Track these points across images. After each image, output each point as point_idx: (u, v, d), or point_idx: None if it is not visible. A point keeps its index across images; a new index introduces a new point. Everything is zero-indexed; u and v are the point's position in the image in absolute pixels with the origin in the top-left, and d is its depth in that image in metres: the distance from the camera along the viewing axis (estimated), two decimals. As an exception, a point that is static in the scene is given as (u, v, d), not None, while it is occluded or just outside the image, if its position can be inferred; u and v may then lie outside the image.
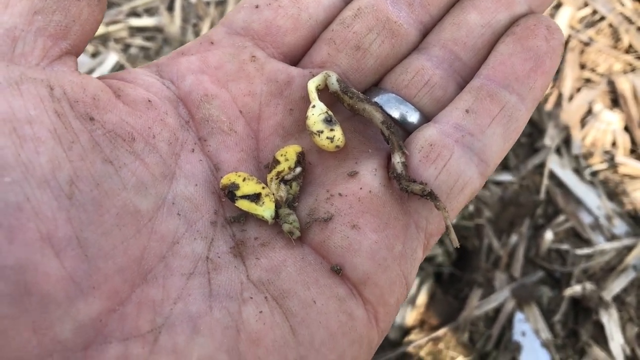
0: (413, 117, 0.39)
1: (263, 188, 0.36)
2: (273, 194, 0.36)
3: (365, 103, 0.37)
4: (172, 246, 0.32)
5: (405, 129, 0.39)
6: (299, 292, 0.32)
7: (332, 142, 0.36)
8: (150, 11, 1.09)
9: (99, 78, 0.35)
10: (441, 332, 0.84)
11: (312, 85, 0.37)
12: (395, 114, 0.38)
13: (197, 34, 1.06)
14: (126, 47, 1.05)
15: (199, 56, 0.39)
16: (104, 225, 0.30)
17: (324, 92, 0.38)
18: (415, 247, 0.35)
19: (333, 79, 0.37)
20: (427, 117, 0.39)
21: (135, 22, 1.08)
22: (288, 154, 0.37)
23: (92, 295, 0.29)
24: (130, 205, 0.31)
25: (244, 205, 0.35)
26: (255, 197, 0.35)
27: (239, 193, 0.35)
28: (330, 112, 0.37)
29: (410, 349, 0.83)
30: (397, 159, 0.35)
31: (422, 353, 0.83)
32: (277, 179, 0.36)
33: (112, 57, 1.03)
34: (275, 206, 0.36)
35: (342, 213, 0.34)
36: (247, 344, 0.30)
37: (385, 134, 0.36)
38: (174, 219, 0.33)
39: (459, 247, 0.35)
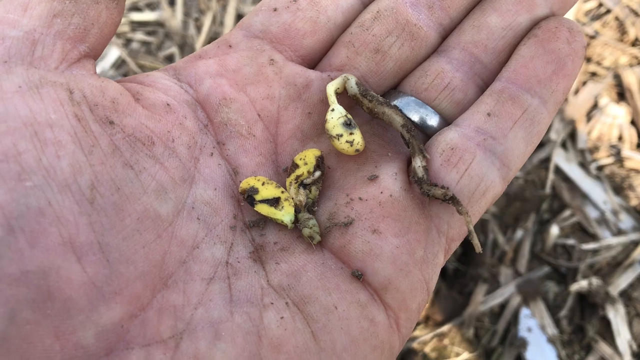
0: (433, 121, 0.38)
1: (282, 192, 0.36)
2: (292, 198, 0.36)
3: (385, 106, 0.37)
4: (192, 251, 0.32)
5: (425, 133, 0.39)
6: (320, 297, 0.32)
7: (351, 145, 0.36)
8: (151, 5, 1.08)
9: (118, 81, 0.35)
10: (446, 327, 0.84)
11: (331, 88, 0.37)
12: (415, 117, 0.38)
13: (198, 28, 1.06)
14: (127, 42, 1.04)
15: (217, 59, 0.39)
16: (125, 230, 0.30)
17: (342, 95, 0.38)
18: (437, 252, 0.35)
19: (352, 82, 0.37)
20: (447, 121, 0.39)
21: (137, 16, 1.07)
22: (307, 158, 0.36)
23: (114, 301, 0.29)
24: (150, 209, 0.31)
25: (264, 209, 0.35)
26: (275, 202, 0.35)
27: (258, 197, 0.35)
28: (349, 116, 0.37)
29: (415, 344, 0.83)
30: (418, 162, 0.35)
31: (427, 349, 0.83)
32: (296, 183, 0.36)
33: (113, 52, 1.02)
34: (295, 210, 0.36)
35: (362, 217, 0.34)
36: (268, 349, 0.30)
37: (406, 138, 0.36)
38: (194, 223, 0.33)
39: (481, 252, 0.35)
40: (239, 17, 1.07)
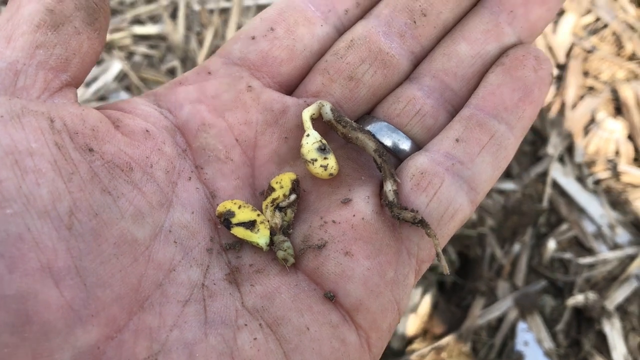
0: (405, 145, 0.39)
1: (258, 215, 0.37)
2: (268, 221, 0.37)
3: (358, 132, 0.38)
4: (168, 274, 0.33)
5: (397, 157, 0.40)
6: (293, 318, 0.33)
7: (325, 170, 0.37)
8: (153, 19, 1.10)
9: (98, 108, 0.36)
10: (444, 341, 0.84)
11: (307, 114, 0.38)
12: (388, 142, 0.39)
13: (200, 42, 1.07)
14: (130, 55, 1.06)
15: (196, 86, 0.40)
16: (102, 255, 0.31)
17: (318, 120, 0.39)
18: (407, 273, 0.36)
19: (327, 108, 0.38)
20: (418, 145, 0.40)
21: (139, 29, 1.08)
22: (283, 182, 0.37)
23: (91, 323, 0.29)
24: (127, 234, 0.32)
25: (240, 232, 0.36)
26: (251, 225, 0.36)
27: (234, 220, 0.36)
28: (324, 141, 0.38)
29: (413, 358, 0.83)
30: (389, 187, 0.36)
31: (425, 362, 0.83)
32: (272, 206, 0.37)
33: (116, 65, 1.04)
34: (270, 233, 0.36)
35: (335, 240, 0.35)
36: None
37: (378, 162, 0.37)
38: (171, 246, 0.34)
39: (448, 274, 0.36)
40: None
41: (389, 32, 0.40)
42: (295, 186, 0.37)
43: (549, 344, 0.83)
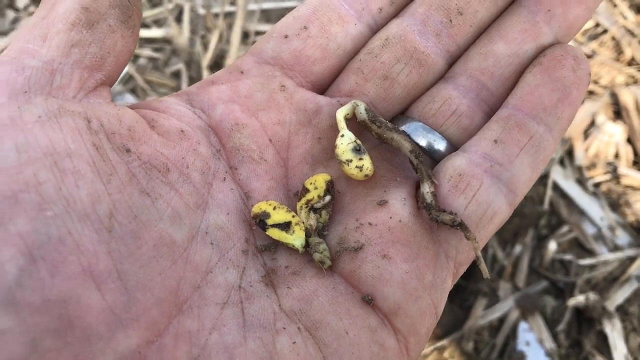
0: (440, 146, 0.39)
1: (293, 217, 0.36)
2: (303, 223, 0.36)
3: (394, 132, 0.37)
4: (205, 275, 0.33)
5: (432, 158, 0.39)
6: (332, 322, 0.33)
7: (361, 171, 0.37)
8: (158, 22, 1.09)
9: (132, 107, 0.36)
10: (446, 341, 0.84)
11: (341, 114, 0.38)
12: (423, 143, 0.39)
13: (205, 45, 1.06)
14: (135, 58, 1.05)
15: (229, 85, 0.39)
16: (142, 257, 0.30)
17: (352, 120, 0.39)
18: (445, 277, 0.36)
19: (361, 108, 0.38)
20: (454, 146, 0.39)
21: (144, 33, 1.08)
22: (317, 183, 0.37)
23: (132, 327, 0.29)
24: (166, 236, 0.31)
25: (275, 234, 0.36)
26: (286, 226, 0.36)
27: (269, 222, 0.36)
28: (358, 141, 0.37)
29: (416, 358, 0.83)
30: (426, 188, 0.36)
31: (427, 362, 0.83)
32: (306, 207, 0.37)
33: (120, 67, 1.03)
34: (306, 235, 0.36)
35: (372, 242, 0.35)
36: None
37: (414, 163, 0.37)
38: (208, 248, 0.33)
39: (488, 277, 0.36)
40: (245, 35, 1.08)
41: (424, 30, 0.40)
42: (330, 187, 0.37)
43: (550, 344, 0.84)
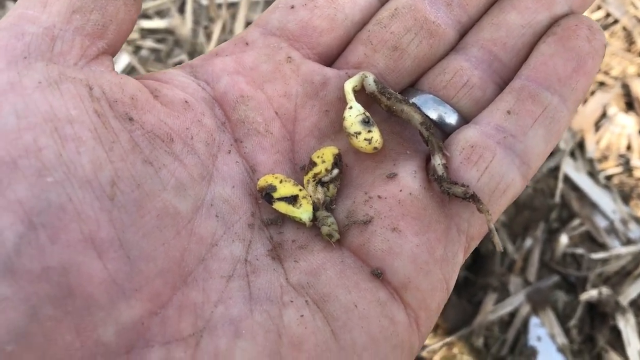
0: (451, 119, 0.38)
1: (300, 190, 0.36)
2: (310, 196, 0.36)
3: (403, 104, 0.36)
4: (211, 248, 0.32)
5: (443, 130, 0.39)
6: (340, 296, 0.32)
7: (370, 143, 0.36)
8: (161, 13, 1.09)
9: (136, 78, 0.35)
10: (455, 336, 0.83)
11: (349, 86, 0.37)
12: (434, 115, 0.38)
13: (208, 35, 1.06)
14: (137, 49, 1.05)
15: (234, 57, 0.39)
16: (145, 227, 0.29)
17: (360, 93, 0.38)
18: (457, 251, 0.35)
19: (370, 80, 0.37)
20: (465, 119, 0.39)
21: (147, 24, 1.07)
22: (325, 156, 0.36)
23: (134, 298, 0.28)
24: (170, 206, 0.31)
25: (282, 207, 0.35)
26: (293, 199, 0.35)
27: (276, 195, 0.35)
28: (367, 113, 0.36)
29: (424, 353, 0.82)
30: (437, 160, 0.35)
31: (436, 358, 0.82)
32: (314, 180, 0.36)
33: (123, 59, 1.02)
34: (313, 208, 0.35)
35: (381, 215, 0.34)
36: (288, 348, 0.30)
37: (425, 135, 0.36)
38: (213, 220, 0.33)
39: (502, 250, 0.35)
40: (248, 25, 1.07)
41: (435, 0, 0.39)
42: (338, 160, 0.36)
43: (562, 339, 0.83)
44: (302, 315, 0.31)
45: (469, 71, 0.39)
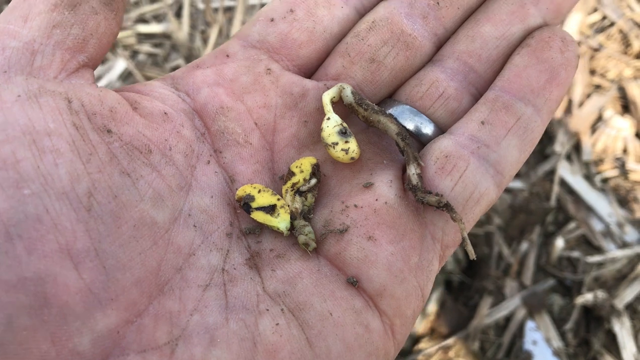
0: (427, 129, 0.39)
1: (278, 200, 0.36)
2: (288, 206, 0.36)
3: (380, 115, 0.37)
4: (188, 258, 0.33)
5: (419, 141, 0.39)
6: (315, 304, 0.32)
7: (347, 153, 0.36)
8: (158, 18, 1.10)
9: (116, 90, 0.36)
10: (451, 340, 0.83)
11: (327, 97, 0.38)
12: (410, 126, 0.38)
13: (204, 40, 1.07)
14: (134, 54, 1.06)
15: (214, 69, 0.39)
16: (122, 237, 0.30)
17: (338, 104, 0.39)
18: (432, 259, 0.35)
19: (348, 91, 0.37)
20: (441, 129, 0.39)
21: (143, 28, 1.08)
22: (303, 166, 0.37)
23: (110, 307, 0.29)
24: (147, 217, 0.31)
25: (260, 217, 0.35)
26: (271, 209, 0.36)
27: (254, 205, 0.35)
28: (345, 124, 0.37)
29: (420, 357, 0.82)
30: (412, 170, 0.35)
31: (432, 361, 0.82)
32: (292, 190, 0.36)
33: (120, 64, 1.03)
34: (291, 218, 0.36)
35: (357, 224, 0.34)
36: (263, 356, 0.30)
37: (400, 146, 0.36)
38: (190, 230, 0.33)
39: (475, 259, 0.35)
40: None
41: (411, 13, 0.40)
42: (316, 170, 0.37)
43: (557, 343, 0.83)
44: (277, 324, 0.31)
45: (445, 82, 0.39)
